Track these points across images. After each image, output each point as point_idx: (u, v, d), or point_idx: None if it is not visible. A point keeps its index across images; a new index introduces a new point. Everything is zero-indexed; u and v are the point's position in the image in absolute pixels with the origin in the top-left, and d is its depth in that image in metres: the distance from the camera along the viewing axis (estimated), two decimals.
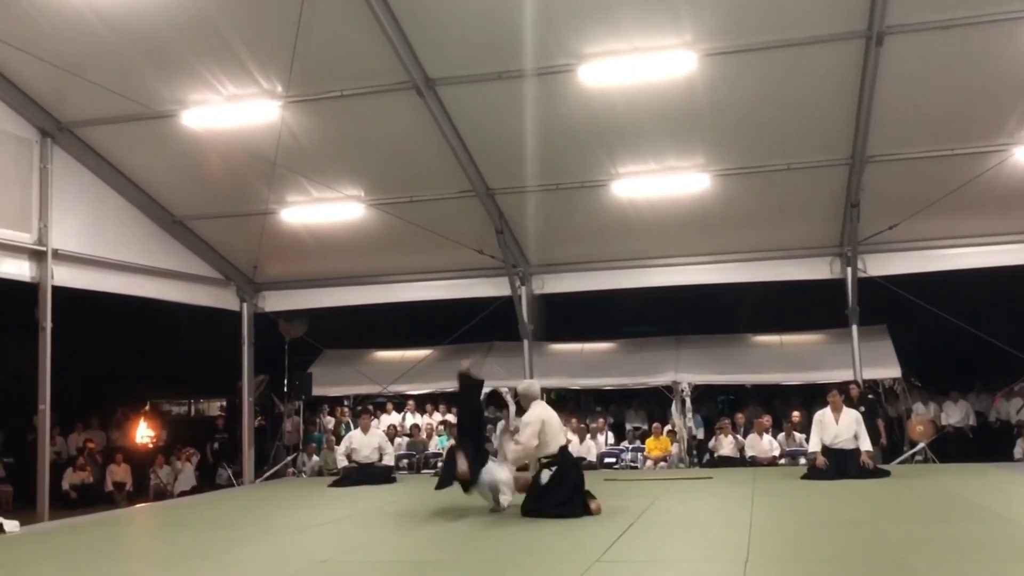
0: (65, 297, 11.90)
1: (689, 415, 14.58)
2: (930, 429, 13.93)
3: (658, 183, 12.40)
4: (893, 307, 13.87)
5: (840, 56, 10.15)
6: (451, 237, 13.49)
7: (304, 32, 9.90)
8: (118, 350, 19.97)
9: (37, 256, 11.60)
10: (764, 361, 15.25)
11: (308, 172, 12.51)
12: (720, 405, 18.22)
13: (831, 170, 11.99)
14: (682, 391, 14.58)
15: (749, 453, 13.56)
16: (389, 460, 12.97)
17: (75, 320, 12.59)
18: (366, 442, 12.62)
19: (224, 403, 21.12)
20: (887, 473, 10.98)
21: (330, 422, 16.50)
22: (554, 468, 8.37)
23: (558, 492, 8.31)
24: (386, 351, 17.41)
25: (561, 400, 19.19)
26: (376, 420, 15.89)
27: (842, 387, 12.01)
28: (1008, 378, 14.94)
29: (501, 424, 15.35)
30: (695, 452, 14.47)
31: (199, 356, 19.65)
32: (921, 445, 13.42)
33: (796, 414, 14.13)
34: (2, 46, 10.10)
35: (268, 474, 15.02)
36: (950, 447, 14.37)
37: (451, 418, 15.77)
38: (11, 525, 9.05)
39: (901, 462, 13.00)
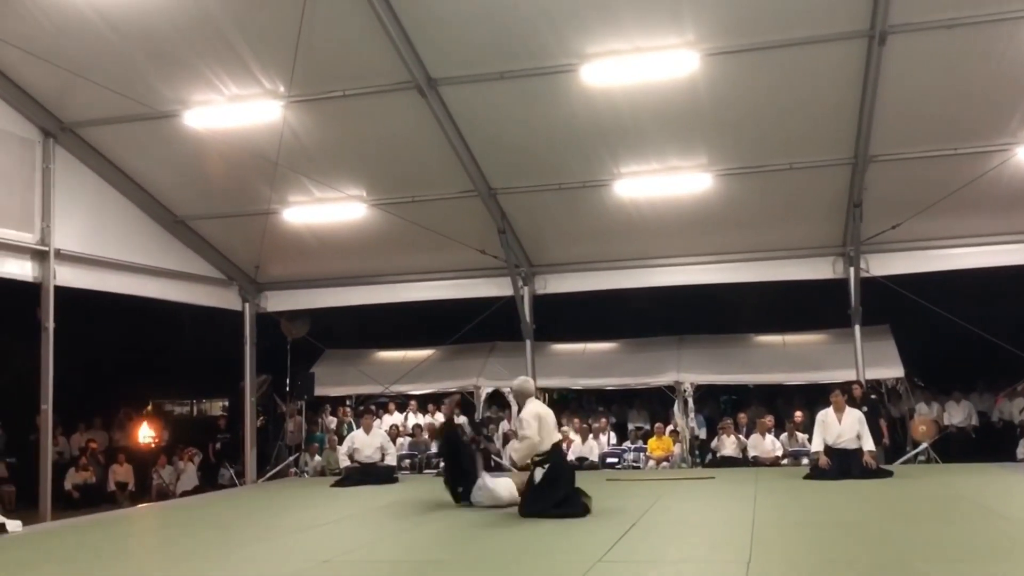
0: (67, 297, 11.89)
1: (691, 415, 14.61)
2: (933, 429, 13.90)
3: (660, 183, 12.39)
4: (896, 307, 13.84)
5: (843, 56, 10.12)
6: (453, 237, 13.48)
7: (306, 32, 9.91)
8: (120, 350, 19.99)
9: (39, 256, 11.61)
10: (767, 361, 15.27)
11: (310, 172, 12.51)
12: (722, 405, 18.23)
13: (834, 170, 11.97)
14: (684, 391, 14.60)
15: (752, 453, 13.54)
16: (391, 460, 12.97)
17: (77, 320, 12.57)
18: (368, 442, 12.62)
19: (226, 403, 21.18)
20: (890, 473, 10.97)
21: (332, 422, 16.48)
22: (547, 466, 8.39)
23: (555, 490, 8.32)
24: (388, 351, 17.44)
25: (563, 400, 19.23)
26: (378, 420, 15.86)
27: (845, 387, 11.99)
28: (1011, 378, 14.95)
29: (503, 425, 15.40)
30: (697, 452, 14.47)
31: (201, 356, 19.67)
32: (924, 445, 13.42)
33: (799, 414, 14.14)
34: (5, 47, 10.12)
35: (270, 474, 15.02)
36: (953, 447, 14.37)
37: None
38: (14, 525, 9.06)
39: (904, 462, 13.01)
